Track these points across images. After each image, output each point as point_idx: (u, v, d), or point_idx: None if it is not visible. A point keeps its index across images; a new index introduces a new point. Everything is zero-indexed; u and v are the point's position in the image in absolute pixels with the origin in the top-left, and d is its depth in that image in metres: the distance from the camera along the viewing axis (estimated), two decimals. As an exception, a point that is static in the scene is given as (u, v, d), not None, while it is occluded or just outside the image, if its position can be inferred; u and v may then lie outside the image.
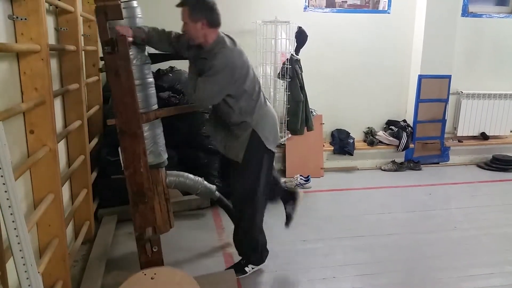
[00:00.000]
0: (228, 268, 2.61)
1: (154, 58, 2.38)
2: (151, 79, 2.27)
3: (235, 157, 2.43)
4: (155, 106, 2.27)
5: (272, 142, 2.46)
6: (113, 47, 1.89)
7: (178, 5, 2.18)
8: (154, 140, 2.24)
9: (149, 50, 2.34)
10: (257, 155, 2.42)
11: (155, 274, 1.99)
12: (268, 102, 2.53)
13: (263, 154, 2.43)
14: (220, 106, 2.34)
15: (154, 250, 2.09)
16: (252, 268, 2.62)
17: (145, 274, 1.99)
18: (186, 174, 2.69)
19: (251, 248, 2.62)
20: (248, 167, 2.42)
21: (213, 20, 2.20)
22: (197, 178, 2.74)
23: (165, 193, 2.34)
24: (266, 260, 2.69)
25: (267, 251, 2.70)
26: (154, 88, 2.29)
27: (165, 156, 2.36)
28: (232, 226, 2.75)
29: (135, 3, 2.16)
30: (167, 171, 2.48)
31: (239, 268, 2.59)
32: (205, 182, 2.79)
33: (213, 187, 2.86)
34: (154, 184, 2.26)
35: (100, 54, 3.42)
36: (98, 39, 3.32)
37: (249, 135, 2.38)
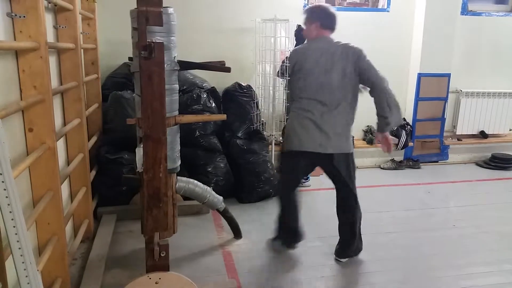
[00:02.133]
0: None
1: (183, 65, 2.40)
2: (176, 85, 2.29)
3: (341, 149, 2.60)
4: (176, 112, 2.29)
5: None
6: (150, 52, 1.91)
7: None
8: (171, 146, 2.25)
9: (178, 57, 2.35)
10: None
11: (160, 279, 2.00)
12: None
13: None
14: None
15: (162, 255, 2.10)
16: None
17: (150, 278, 1.99)
18: (196, 181, 2.71)
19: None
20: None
21: (326, 23, 2.71)
22: (205, 187, 2.76)
23: (173, 198, 2.35)
24: (267, 259, 2.72)
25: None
26: (177, 94, 2.31)
27: (179, 162, 2.37)
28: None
29: (171, 10, 2.17)
30: (178, 177, 2.49)
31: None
32: (213, 192, 2.80)
33: (220, 198, 2.87)
34: (166, 189, 2.27)
35: (102, 53, 3.46)
36: (97, 37, 3.37)
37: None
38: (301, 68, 2.60)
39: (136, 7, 1.93)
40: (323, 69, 2.54)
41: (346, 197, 2.66)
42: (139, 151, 2.14)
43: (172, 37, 2.19)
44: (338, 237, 2.78)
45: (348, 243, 2.74)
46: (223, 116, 2.49)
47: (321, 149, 2.54)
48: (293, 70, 2.66)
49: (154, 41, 1.97)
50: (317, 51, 2.59)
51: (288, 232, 2.84)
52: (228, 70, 2.63)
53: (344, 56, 2.56)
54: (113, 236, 2.98)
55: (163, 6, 1.99)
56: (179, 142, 2.36)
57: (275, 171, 3.62)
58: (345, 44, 2.64)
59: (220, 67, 2.62)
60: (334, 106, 2.55)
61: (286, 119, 4.09)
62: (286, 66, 3.99)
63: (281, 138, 4.21)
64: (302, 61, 2.60)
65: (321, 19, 2.65)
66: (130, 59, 2.30)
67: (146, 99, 1.98)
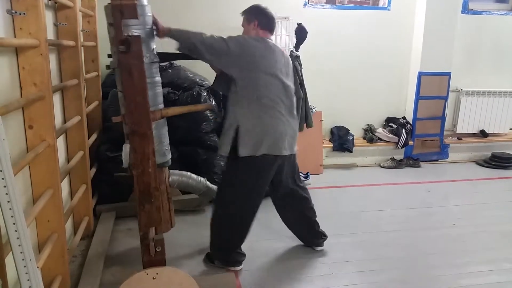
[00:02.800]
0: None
1: (163, 57, 2.38)
2: (158, 78, 2.27)
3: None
4: (162, 105, 2.27)
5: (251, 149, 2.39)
6: (128, 46, 1.89)
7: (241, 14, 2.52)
8: (160, 140, 2.24)
9: (157, 48, 2.34)
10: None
11: (157, 274, 1.99)
12: (286, 118, 2.46)
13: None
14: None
15: (158, 250, 2.10)
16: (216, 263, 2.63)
17: (147, 274, 1.99)
18: (189, 173, 2.69)
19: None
20: None
21: (264, 22, 2.48)
22: (200, 179, 2.74)
23: (168, 192, 2.34)
24: (266, 257, 2.70)
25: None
26: (161, 87, 2.29)
27: (169, 155, 2.36)
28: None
29: (145, 1, 2.16)
30: (170, 170, 2.48)
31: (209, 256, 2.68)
32: (208, 183, 2.79)
33: (216, 187, 2.86)
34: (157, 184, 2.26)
35: (102, 51, 3.46)
36: (97, 35, 3.36)
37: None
38: None
39: (109, 2, 1.93)
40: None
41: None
42: (126, 148, 2.13)
43: (148, 29, 2.18)
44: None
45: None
46: (210, 105, 2.47)
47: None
48: None
49: (130, 34, 1.95)
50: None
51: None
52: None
53: None
54: (112, 234, 2.99)
55: None
56: (167, 136, 2.34)
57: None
58: None
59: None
60: None
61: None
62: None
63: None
64: None
65: (259, 17, 2.49)
66: (110, 56, 2.28)
67: (128, 94, 1.96)
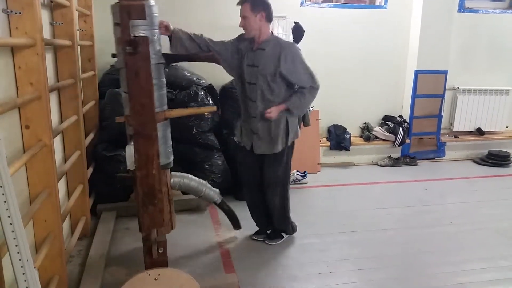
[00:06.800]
0: (266, 237, 2.96)
1: (168, 58, 2.38)
2: (163, 79, 2.26)
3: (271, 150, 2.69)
4: (165, 107, 2.26)
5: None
6: (135, 47, 1.87)
7: (239, 3, 2.53)
8: (163, 141, 2.23)
9: (162, 50, 2.33)
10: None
11: (159, 275, 2.00)
12: None
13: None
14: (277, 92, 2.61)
15: (160, 251, 2.09)
16: (285, 235, 2.99)
17: (149, 275, 1.99)
18: (190, 176, 2.69)
19: (286, 223, 2.96)
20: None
21: (270, 14, 2.56)
22: (201, 181, 2.74)
23: (169, 194, 2.34)
24: (264, 256, 2.73)
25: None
26: (165, 88, 2.29)
27: (172, 157, 2.35)
28: (229, 224, 2.76)
29: (152, 2, 2.15)
30: (172, 172, 2.48)
31: (276, 235, 2.96)
32: (209, 185, 2.79)
33: (217, 190, 2.86)
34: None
35: (99, 50, 3.45)
36: (94, 34, 3.35)
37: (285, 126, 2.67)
38: None
39: (117, 1, 1.91)
40: None
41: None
42: (129, 149, 2.11)
43: (155, 30, 2.17)
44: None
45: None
46: (213, 108, 2.47)
47: None
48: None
49: (138, 35, 1.94)
50: None
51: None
52: (217, 61, 2.63)
53: None
54: (112, 234, 2.98)
55: None
56: (170, 137, 2.33)
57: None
58: None
59: (206, 57, 2.64)
60: None
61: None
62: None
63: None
64: None
65: (266, 9, 2.54)
66: (114, 55, 2.27)
67: (134, 96, 1.94)
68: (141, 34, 1.97)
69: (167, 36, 2.44)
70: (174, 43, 2.47)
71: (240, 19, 2.56)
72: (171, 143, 2.34)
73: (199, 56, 2.64)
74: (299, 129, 2.81)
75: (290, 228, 2.99)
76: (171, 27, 2.43)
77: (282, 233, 2.98)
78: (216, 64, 2.73)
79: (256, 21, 2.52)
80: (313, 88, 2.62)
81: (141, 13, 1.92)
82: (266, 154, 2.70)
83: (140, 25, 2.01)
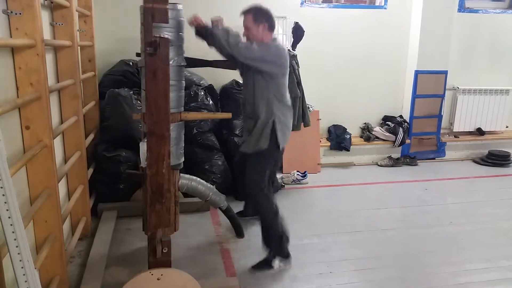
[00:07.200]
0: (255, 266, 2.61)
1: (190, 63, 2.40)
2: (183, 81, 2.29)
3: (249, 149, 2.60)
4: (182, 108, 2.28)
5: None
6: (155, 48, 1.91)
7: (242, 14, 2.59)
8: (176, 142, 2.25)
9: (185, 53, 2.35)
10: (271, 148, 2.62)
11: (161, 275, 2.00)
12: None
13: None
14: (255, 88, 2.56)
15: (164, 251, 2.10)
16: (280, 262, 2.61)
17: (152, 274, 2.00)
18: (198, 179, 2.70)
19: (272, 240, 2.64)
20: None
21: (272, 24, 2.60)
22: (208, 185, 2.75)
23: (176, 195, 2.35)
24: (263, 255, 2.70)
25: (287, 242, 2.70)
26: (184, 91, 2.31)
27: (182, 159, 2.36)
28: (229, 224, 2.77)
29: (180, 6, 2.17)
30: (180, 174, 2.49)
31: (263, 263, 2.61)
32: (216, 190, 2.79)
33: (223, 196, 2.86)
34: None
35: (99, 51, 3.45)
36: (94, 34, 3.36)
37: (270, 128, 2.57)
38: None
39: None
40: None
41: None
42: (143, 146, 2.14)
43: (181, 33, 2.19)
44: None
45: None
46: (229, 115, 2.48)
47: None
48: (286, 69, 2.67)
49: (160, 36, 1.97)
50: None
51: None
52: (233, 67, 2.67)
53: None
54: (113, 234, 2.97)
55: (172, 2, 1.99)
56: (183, 139, 2.35)
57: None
58: None
59: (226, 64, 2.72)
60: None
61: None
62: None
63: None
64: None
65: (268, 20, 2.58)
66: (138, 54, 2.31)
67: (150, 95, 1.99)
68: (162, 36, 1.99)
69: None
70: (211, 40, 2.54)
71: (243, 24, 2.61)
72: (183, 145, 2.36)
73: (219, 62, 2.72)
74: (288, 134, 2.68)
75: (277, 248, 2.61)
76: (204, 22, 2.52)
77: (272, 260, 2.61)
78: (216, 64, 2.76)
79: (259, 32, 2.56)
80: (238, 47, 2.45)
81: (164, 16, 1.97)
82: (247, 154, 2.65)
83: (164, 27, 2.04)
